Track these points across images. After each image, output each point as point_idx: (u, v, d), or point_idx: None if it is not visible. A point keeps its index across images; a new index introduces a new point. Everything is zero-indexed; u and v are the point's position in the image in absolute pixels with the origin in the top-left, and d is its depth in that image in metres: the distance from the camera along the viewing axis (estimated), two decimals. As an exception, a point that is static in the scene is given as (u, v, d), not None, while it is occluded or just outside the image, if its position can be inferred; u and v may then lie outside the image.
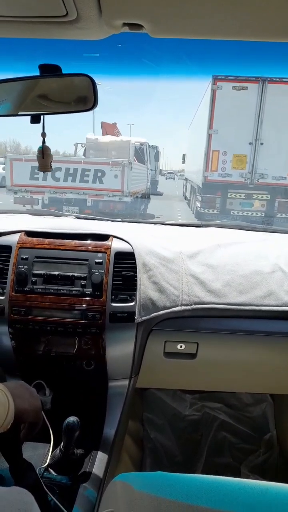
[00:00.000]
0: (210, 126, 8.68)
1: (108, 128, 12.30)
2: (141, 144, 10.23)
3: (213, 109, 8.57)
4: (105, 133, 11.77)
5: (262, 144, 8.57)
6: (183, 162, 17.35)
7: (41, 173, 8.02)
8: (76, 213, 7.92)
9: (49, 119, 0.89)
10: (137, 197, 9.43)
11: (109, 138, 10.31)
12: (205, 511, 0.68)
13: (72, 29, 0.67)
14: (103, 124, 12.53)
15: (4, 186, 8.56)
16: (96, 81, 0.82)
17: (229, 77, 8.38)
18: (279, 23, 0.67)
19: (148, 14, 0.63)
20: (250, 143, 8.60)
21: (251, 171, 8.73)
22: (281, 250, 1.38)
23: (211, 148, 8.74)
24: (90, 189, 8.24)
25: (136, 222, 1.65)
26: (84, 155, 9.95)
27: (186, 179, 15.99)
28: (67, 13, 0.61)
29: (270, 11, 0.62)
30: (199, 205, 9.66)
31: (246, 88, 8.34)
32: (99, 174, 8.22)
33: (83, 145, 10.35)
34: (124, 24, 0.66)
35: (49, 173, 8.02)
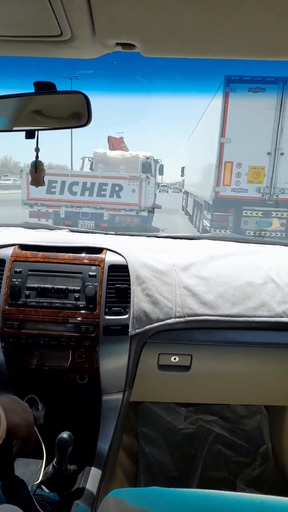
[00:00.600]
0: (222, 134, 7.57)
1: (115, 143, 12.44)
2: (147, 158, 10.23)
3: (225, 114, 7.43)
4: (112, 147, 11.96)
5: (282, 154, 7.51)
6: (182, 175, 16.61)
7: (58, 187, 8.40)
8: (92, 227, 8.19)
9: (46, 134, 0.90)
10: (148, 211, 9.51)
11: (118, 153, 10.54)
12: None
13: (67, 48, 0.69)
14: (110, 139, 12.58)
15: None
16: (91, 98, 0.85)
17: (244, 78, 7.23)
18: (267, 42, 0.69)
19: (140, 34, 0.65)
20: (268, 153, 7.54)
21: (269, 185, 7.66)
22: (273, 262, 1.40)
23: (223, 160, 7.65)
24: (108, 204, 8.39)
25: (130, 235, 1.66)
26: (90, 169, 10.06)
27: (185, 192, 15.13)
28: (61, 33, 0.63)
29: (258, 31, 0.65)
30: (207, 224, 8.65)
31: (264, 90, 7.21)
32: (117, 188, 8.37)
33: (89, 159, 10.44)
34: (117, 44, 0.68)
35: (66, 187, 8.35)
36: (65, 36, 0.64)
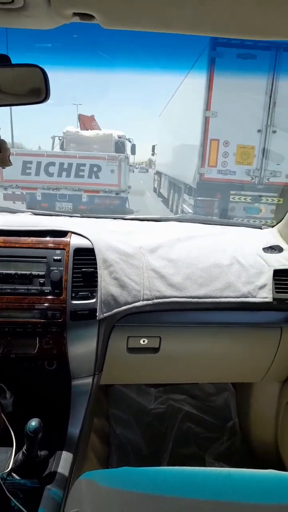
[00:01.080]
0: (207, 106, 6.42)
1: (86, 121, 11.76)
2: (119, 137, 9.81)
3: (210, 84, 6.31)
4: (83, 126, 11.39)
5: (274, 132, 6.47)
6: (153, 154, 15.27)
7: (33, 168, 7.98)
8: (70, 209, 7.91)
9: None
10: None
11: (91, 132, 10.09)
12: (171, 501, 0.69)
13: (20, 17, 0.64)
14: (81, 117, 11.93)
15: None
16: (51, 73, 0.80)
17: (232, 41, 5.93)
18: (230, 18, 0.68)
19: (99, 4, 0.62)
20: (259, 131, 6.49)
21: (260, 167, 6.64)
22: (239, 243, 1.42)
23: (208, 137, 6.56)
24: (86, 184, 8.11)
25: (96, 217, 1.63)
26: (61, 148, 9.63)
27: (157, 172, 13.97)
28: (13, 0, 0.59)
29: (221, 7, 0.63)
30: (189, 210, 7.72)
31: (254, 56, 6.08)
32: (95, 169, 8.06)
33: (60, 138, 10.00)
34: (75, 14, 0.64)
35: (42, 168, 7.97)
36: (17, 4, 0.60)
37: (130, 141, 10.11)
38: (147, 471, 0.76)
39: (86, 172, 8.13)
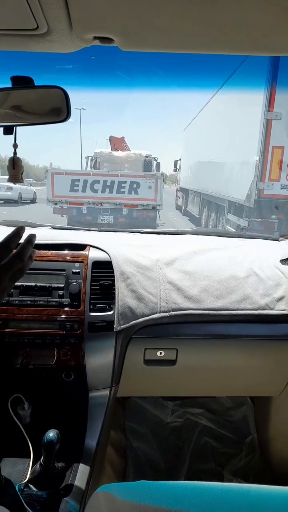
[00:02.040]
0: (269, 106, 5.33)
1: (117, 142, 13.24)
2: (146, 156, 11.03)
3: (275, 77, 5.15)
4: (113, 147, 12.86)
5: None
6: (176, 170, 15.05)
7: (80, 186, 9.18)
8: (111, 222, 9.12)
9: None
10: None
11: (122, 153, 11.55)
12: None
13: (43, 42, 0.68)
14: (112, 139, 13.33)
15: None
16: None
17: None
18: (244, 37, 0.70)
19: (118, 28, 0.65)
20: None
21: None
22: (255, 255, 1.42)
23: (270, 144, 5.47)
24: (127, 199, 9.23)
25: (113, 231, 1.65)
26: (93, 167, 10.93)
27: (182, 189, 13.59)
28: (37, 26, 0.62)
29: (235, 26, 0.65)
30: (234, 231, 6.55)
31: None
32: (135, 185, 9.21)
33: (92, 158, 11.29)
34: (95, 38, 0.67)
35: (88, 186, 9.17)
36: (42, 30, 0.63)
37: (155, 160, 11.16)
38: (164, 485, 0.76)
39: (127, 189, 9.24)
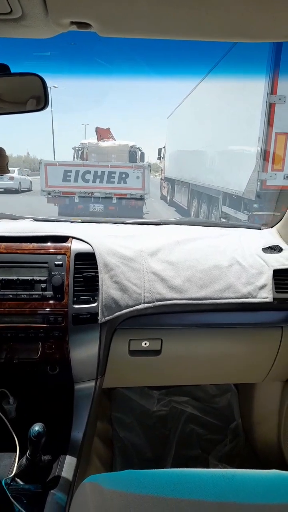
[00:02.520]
0: (272, 89, 4.77)
1: (103, 133, 13.43)
2: (131, 147, 11.51)
3: (278, 56, 4.60)
4: (99, 137, 13.04)
5: None
6: (160, 158, 14.42)
7: (73, 176, 9.57)
8: (101, 210, 9.59)
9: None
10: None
11: (109, 143, 11.92)
12: (175, 502, 0.69)
13: (18, 27, 0.65)
14: (98, 130, 13.51)
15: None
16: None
17: None
18: (225, 23, 0.69)
19: (96, 13, 0.63)
20: None
21: None
22: (238, 244, 1.43)
23: (273, 130, 4.93)
24: (116, 189, 9.68)
25: (96, 222, 1.64)
26: (81, 158, 11.39)
27: (167, 179, 13.03)
28: (11, 11, 0.60)
29: (215, 11, 0.64)
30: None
31: None
32: (123, 176, 9.69)
33: (79, 149, 11.70)
34: (72, 23, 0.65)
35: (79, 176, 9.56)
36: (16, 14, 0.61)
37: (140, 150, 11.72)
38: (151, 473, 0.76)
39: (116, 179, 9.70)
